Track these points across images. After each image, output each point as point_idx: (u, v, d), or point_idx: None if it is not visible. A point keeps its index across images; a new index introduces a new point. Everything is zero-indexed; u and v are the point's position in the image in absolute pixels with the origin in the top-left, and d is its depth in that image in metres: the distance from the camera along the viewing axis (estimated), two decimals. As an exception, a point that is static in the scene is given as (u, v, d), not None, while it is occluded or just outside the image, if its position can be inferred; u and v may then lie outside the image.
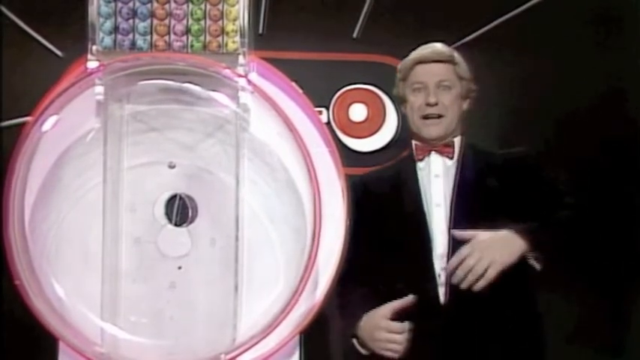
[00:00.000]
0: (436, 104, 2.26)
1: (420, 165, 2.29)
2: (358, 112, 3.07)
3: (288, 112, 2.48)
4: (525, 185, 2.22)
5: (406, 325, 2.18)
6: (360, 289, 2.29)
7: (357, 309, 2.27)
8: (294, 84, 2.60)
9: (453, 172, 2.26)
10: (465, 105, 2.33)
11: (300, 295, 2.40)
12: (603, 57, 3.02)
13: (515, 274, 2.16)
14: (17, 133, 2.49)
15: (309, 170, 2.43)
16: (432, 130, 2.27)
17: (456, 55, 2.33)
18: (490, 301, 2.15)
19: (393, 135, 3.07)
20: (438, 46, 2.33)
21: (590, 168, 2.88)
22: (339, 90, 3.06)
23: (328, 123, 2.99)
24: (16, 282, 2.39)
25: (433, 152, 2.28)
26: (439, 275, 2.20)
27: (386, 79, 3.07)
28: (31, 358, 2.72)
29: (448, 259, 2.18)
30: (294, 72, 2.66)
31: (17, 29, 2.83)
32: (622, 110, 3.01)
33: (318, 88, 2.91)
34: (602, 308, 2.92)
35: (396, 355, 2.20)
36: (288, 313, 2.40)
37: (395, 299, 2.21)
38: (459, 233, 2.15)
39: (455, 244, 2.18)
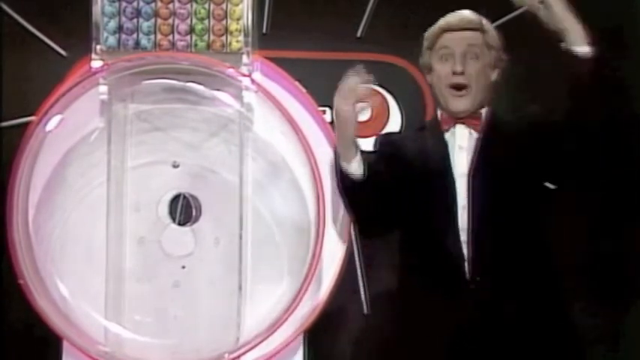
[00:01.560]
0: (462, 73, 2.17)
1: (446, 135, 2.24)
2: (362, 112, 3.06)
3: (292, 112, 2.48)
4: (544, 153, 2.17)
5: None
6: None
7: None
8: (297, 83, 2.60)
9: (478, 145, 2.21)
10: (494, 75, 2.24)
11: (303, 295, 2.40)
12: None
13: (539, 253, 2.13)
14: (21, 133, 2.50)
15: (312, 169, 2.43)
16: (459, 103, 2.18)
17: (485, 23, 2.22)
18: (515, 277, 2.12)
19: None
20: (466, 14, 2.23)
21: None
22: (342, 89, 3.05)
23: (332, 122, 2.98)
24: (20, 281, 2.40)
25: (458, 124, 2.22)
26: (462, 247, 2.16)
27: (390, 78, 3.06)
28: (35, 357, 2.72)
29: (468, 234, 2.14)
30: (298, 71, 2.65)
31: (21, 29, 2.82)
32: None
33: (322, 88, 2.89)
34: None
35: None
36: (292, 312, 2.40)
37: (419, 270, 2.17)
38: None
39: (475, 218, 2.14)
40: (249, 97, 2.45)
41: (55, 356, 2.47)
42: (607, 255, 2.87)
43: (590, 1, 2.98)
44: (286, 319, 2.39)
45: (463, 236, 2.14)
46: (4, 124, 2.71)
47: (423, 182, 2.19)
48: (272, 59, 2.62)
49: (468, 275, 2.11)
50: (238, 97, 2.46)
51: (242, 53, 2.44)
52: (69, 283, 2.46)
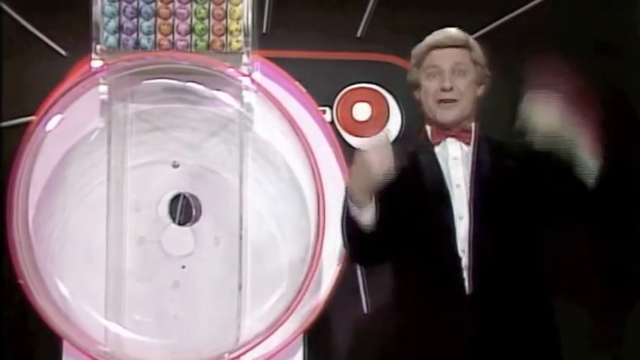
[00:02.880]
0: (451, 89, 2.24)
1: (436, 149, 2.29)
2: (362, 112, 3.05)
3: (292, 112, 2.48)
4: (540, 170, 2.21)
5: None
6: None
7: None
8: (297, 83, 2.60)
9: (470, 157, 2.26)
10: (480, 91, 2.31)
11: (303, 295, 2.40)
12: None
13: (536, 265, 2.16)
14: (21, 133, 2.50)
15: (312, 169, 2.43)
16: (447, 114, 2.23)
17: (471, 41, 2.29)
18: (513, 289, 2.14)
19: (396, 134, 3.06)
20: (453, 31, 2.31)
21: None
22: (342, 89, 3.04)
23: (332, 122, 2.98)
24: (20, 281, 2.40)
25: (449, 137, 2.28)
26: (461, 258, 2.19)
27: (390, 78, 3.07)
28: (35, 357, 2.72)
29: (469, 242, 2.17)
30: (297, 71, 2.66)
31: (21, 28, 2.83)
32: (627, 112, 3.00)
33: (322, 88, 2.90)
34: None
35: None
36: (292, 312, 2.40)
37: (418, 282, 2.19)
38: None
39: (476, 227, 2.17)
40: (249, 97, 2.45)
41: (55, 356, 2.47)
42: (608, 259, 2.87)
43: (591, 11, 3.01)
44: (286, 319, 2.39)
45: (462, 246, 2.17)
46: (4, 124, 2.71)
47: (418, 195, 2.21)
48: (272, 59, 2.62)
49: (467, 284, 2.13)
50: (238, 97, 2.46)
51: (242, 53, 2.44)
52: (69, 283, 2.46)
